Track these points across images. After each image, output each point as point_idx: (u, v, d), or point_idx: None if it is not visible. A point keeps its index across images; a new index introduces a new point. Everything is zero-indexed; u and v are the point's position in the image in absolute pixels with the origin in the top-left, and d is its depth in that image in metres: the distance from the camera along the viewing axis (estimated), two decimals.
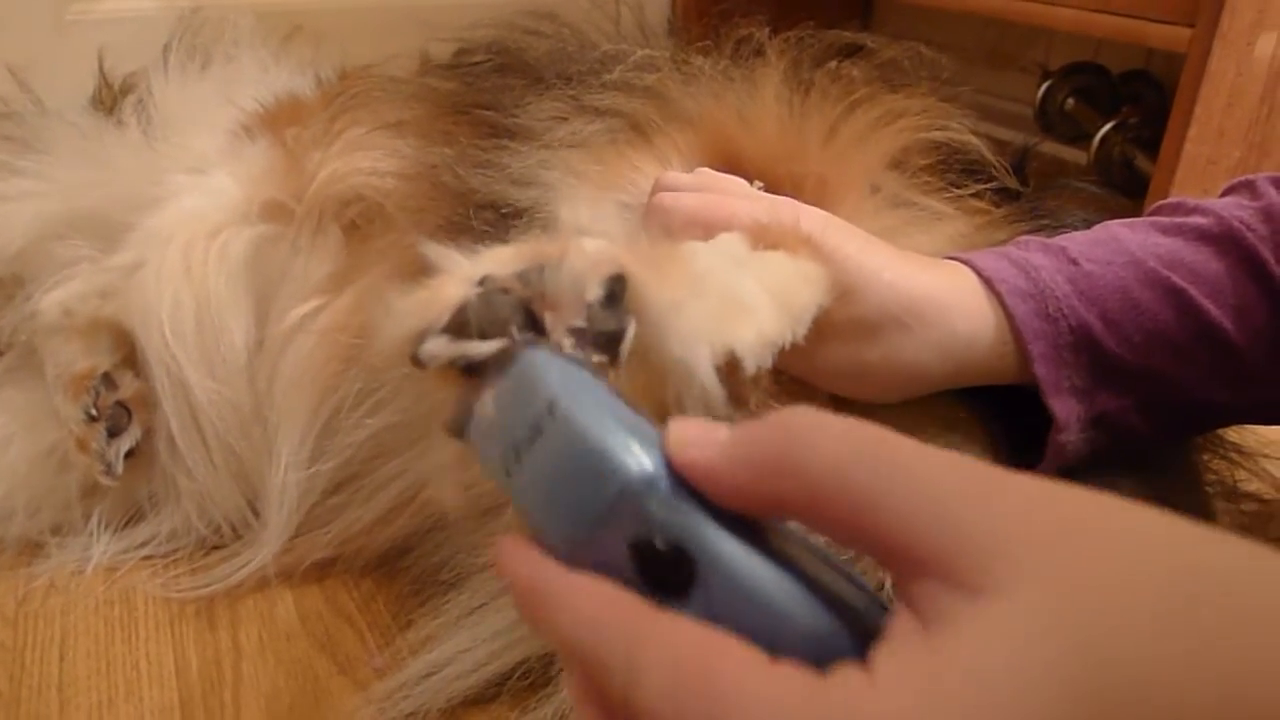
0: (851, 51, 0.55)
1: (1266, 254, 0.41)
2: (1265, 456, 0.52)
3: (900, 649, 0.19)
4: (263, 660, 0.51)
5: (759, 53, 0.52)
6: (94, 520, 0.58)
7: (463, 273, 0.28)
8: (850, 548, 0.21)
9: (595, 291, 0.28)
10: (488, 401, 0.25)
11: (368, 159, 0.55)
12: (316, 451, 0.53)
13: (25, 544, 0.58)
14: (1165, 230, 0.43)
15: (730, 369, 0.31)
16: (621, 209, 0.45)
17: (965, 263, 0.41)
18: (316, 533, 0.55)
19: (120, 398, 0.56)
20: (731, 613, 0.21)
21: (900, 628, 0.20)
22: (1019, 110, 1.29)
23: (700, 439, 0.22)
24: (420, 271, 0.29)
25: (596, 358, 0.27)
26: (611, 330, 0.28)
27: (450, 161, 0.51)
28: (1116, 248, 0.42)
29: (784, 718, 0.18)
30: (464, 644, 0.47)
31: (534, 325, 0.27)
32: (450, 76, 0.62)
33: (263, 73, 0.68)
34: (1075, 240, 0.43)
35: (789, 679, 0.19)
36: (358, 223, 0.56)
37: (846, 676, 0.19)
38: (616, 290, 0.28)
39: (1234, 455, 0.50)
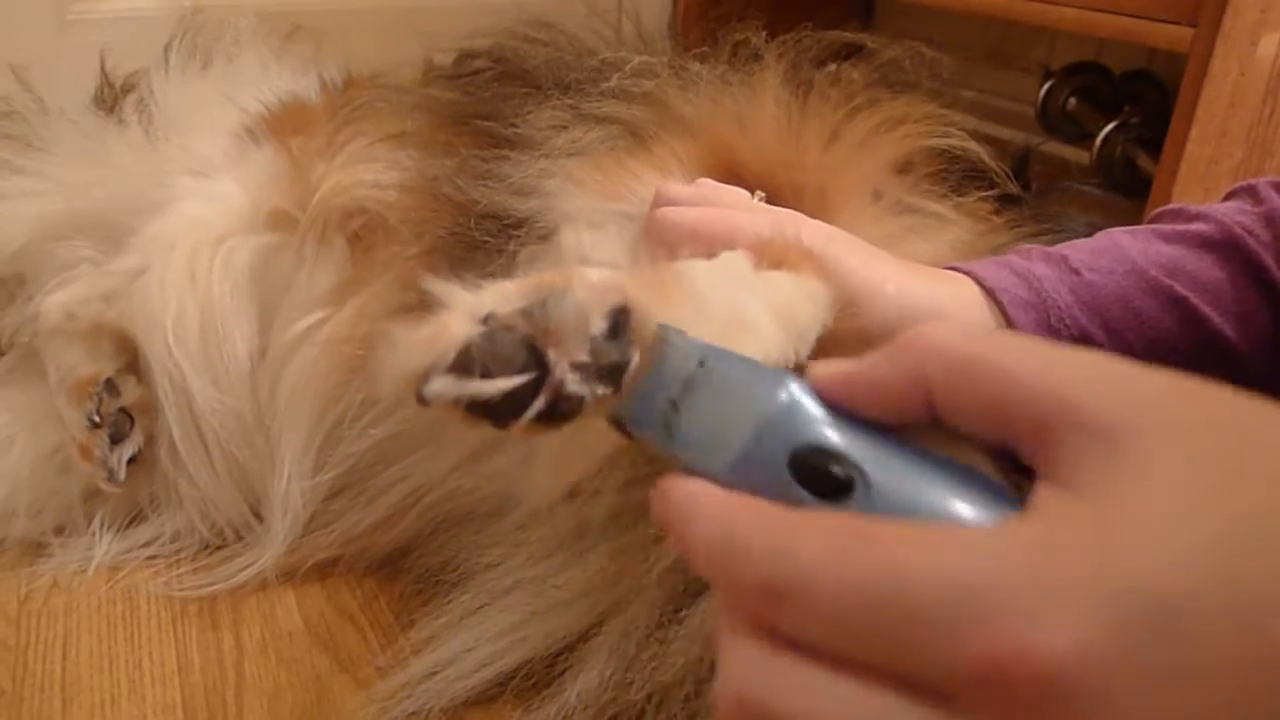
0: (851, 52, 0.55)
1: (1269, 260, 0.41)
2: None
3: (1056, 509, 0.19)
4: (265, 659, 0.51)
5: (757, 57, 0.52)
6: (96, 521, 0.58)
7: (466, 309, 0.28)
8: (990, 429, 0.22)
9: (599, 324, 0.28)
10: (641, 380, 0.27)
11: (370, 171, 0.55)
12: (319, 462, 0.53)
13: (28, 544, 0.58)
14: (1167, 238, 0.43)
15: None
16: (622, 220, 0.45)
17: (967, 273, 0.42)
18: (319, 534, 0.55)
19: (123, 404, 0.56)
20: (893, 507, 0.22)
21: (1046, 497, 0.20)
22: (1021, 110, 1.28)
23: (842, 361, 0.24)
24: (422, 287, 0.29)
25: (600, 389, 0.28)
26: (615, 362, 0.28)
27: (451, 173, 0.51)
28: (1118, 256, 0.42)
29: (947, 560, 0.18)
30: (466, 644, 0.47)
31: (538, 362, 0.27)
32: (451, 86, 0.62)
33: (264, 72, 0.68)
34: (1077, 249, 0.43)
35: (959, 530, 0.20)
36: (361, 234, 0.56)
37: (1019, 523, 0.19)
38: (620, 321, 0.28)
39: None
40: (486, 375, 0.27)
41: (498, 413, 0.27)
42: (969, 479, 0.22)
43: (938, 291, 0.40)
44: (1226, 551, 0.18)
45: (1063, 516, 0.19)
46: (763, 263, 0.36)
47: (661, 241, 0.40)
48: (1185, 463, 0.19)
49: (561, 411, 0.27)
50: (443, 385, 0.27)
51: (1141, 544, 0.18)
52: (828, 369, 0.24)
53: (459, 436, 0.50)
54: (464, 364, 0.27)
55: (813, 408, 0.24)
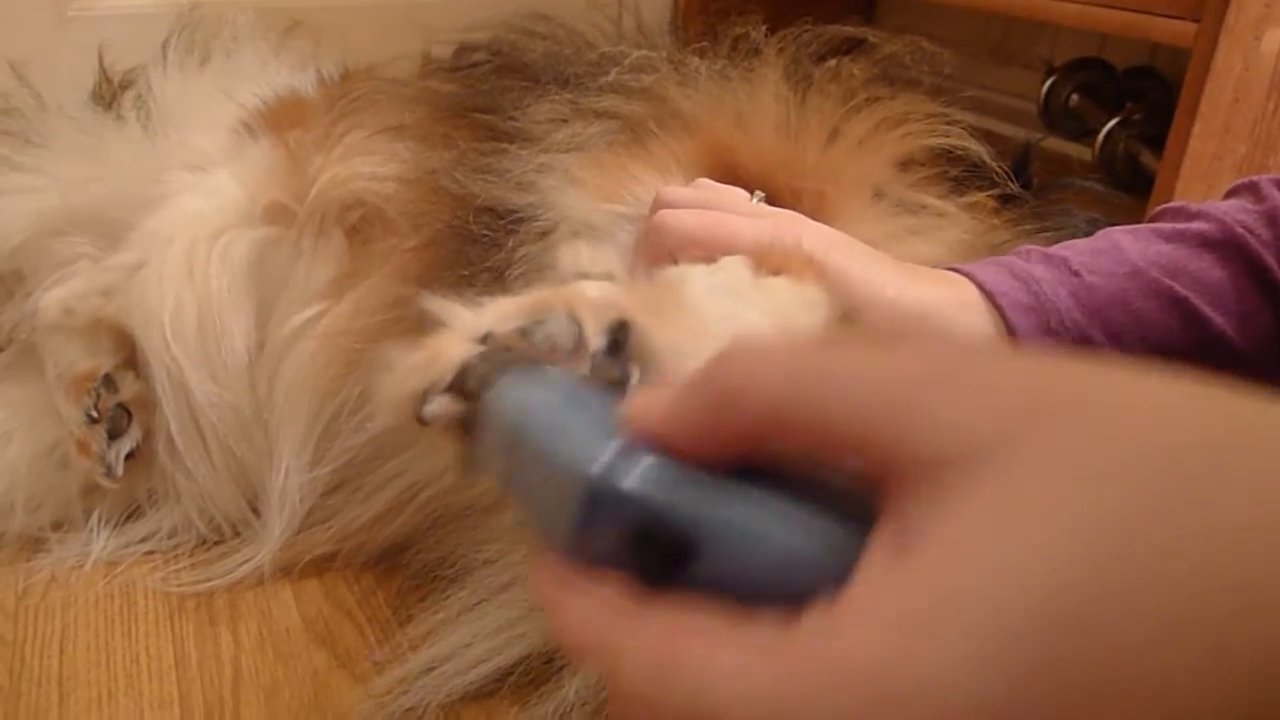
0: (852, 47, 0.54)
1: (1270, 260, 0.41)
2: None
3: (871, 573, 0.18)
4: (262, 655, 0.51)
5: (756, 52, 0.52)
6: (94, 517, 0.58)
7: (465, 329, 0.28)
8: (831, 465, 0.20)
9: (598, 341, 0.28)
10: (483, 435, 0.26)
11: (368, 164, 0.55)
12: (317, 455, 0.53)
13: (26, 539, 0.58)
14: (1167, 237, 0.43)
15: None
16: (621, 223, 0.45)
17: (967, 275, 0.41)
18: (316, 529, 0.55)
19: (121, 400, 0.56)
20: (735, 570, 0.20)
21: (874, 545, 0.18)
22: (1023, 106, 1.28)
23: (649, 402, 0.22)
24: (421, 305, 0.29)
25: None
26: (615, 379, 0.28)
27: (450, 166, 0.51)
28: (1118, 257, 0.42)
29: (753, 683, 0.17)
30: (464, 639, 0.47)
31: None
32: (450, 79, 0.62)
33: (262, 68, 0.68)
34: (1077, 250, 0.42)
35: (753, 642, 0.18)
36: (359, 227, 0.56)
37: (812, 622, 0.18)
38: (620, 338, 0.28)
39: None
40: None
41: None
42: (812, 521, 0.20)
43: (937, 294, 0.40)
44: (1063, 574, 0.15)
45: (862, 604, 0.17)
46: (762, 269, 0.36)
47: (660, 246, 0.40)
48: (1015, 487, 0.16)
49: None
50: (441, 405, 0.27)
51: (934, 633, 0.16)
52: (642, 412, 0.22)
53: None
54: (463, 385, 0.27)
55: (633, 473, 0.21)
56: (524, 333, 0.27)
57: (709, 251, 0.37)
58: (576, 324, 0.28)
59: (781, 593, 0.19)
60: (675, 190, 0.43)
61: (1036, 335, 0.40)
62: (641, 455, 0.22)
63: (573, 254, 0.32)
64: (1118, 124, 1.15)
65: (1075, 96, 1.22)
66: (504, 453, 0.25)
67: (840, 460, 0.19)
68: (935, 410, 0.17)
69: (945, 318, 0.40)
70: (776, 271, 0.37)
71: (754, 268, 0.36)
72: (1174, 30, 0.93)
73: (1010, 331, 0.40)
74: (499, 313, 0.28)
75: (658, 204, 0.43)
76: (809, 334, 0.36)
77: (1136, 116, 1.15)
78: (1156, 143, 1.04)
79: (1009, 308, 0.40)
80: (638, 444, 0.22)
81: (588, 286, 0.29)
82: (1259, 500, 0.15)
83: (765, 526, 0.20)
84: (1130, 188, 1.13)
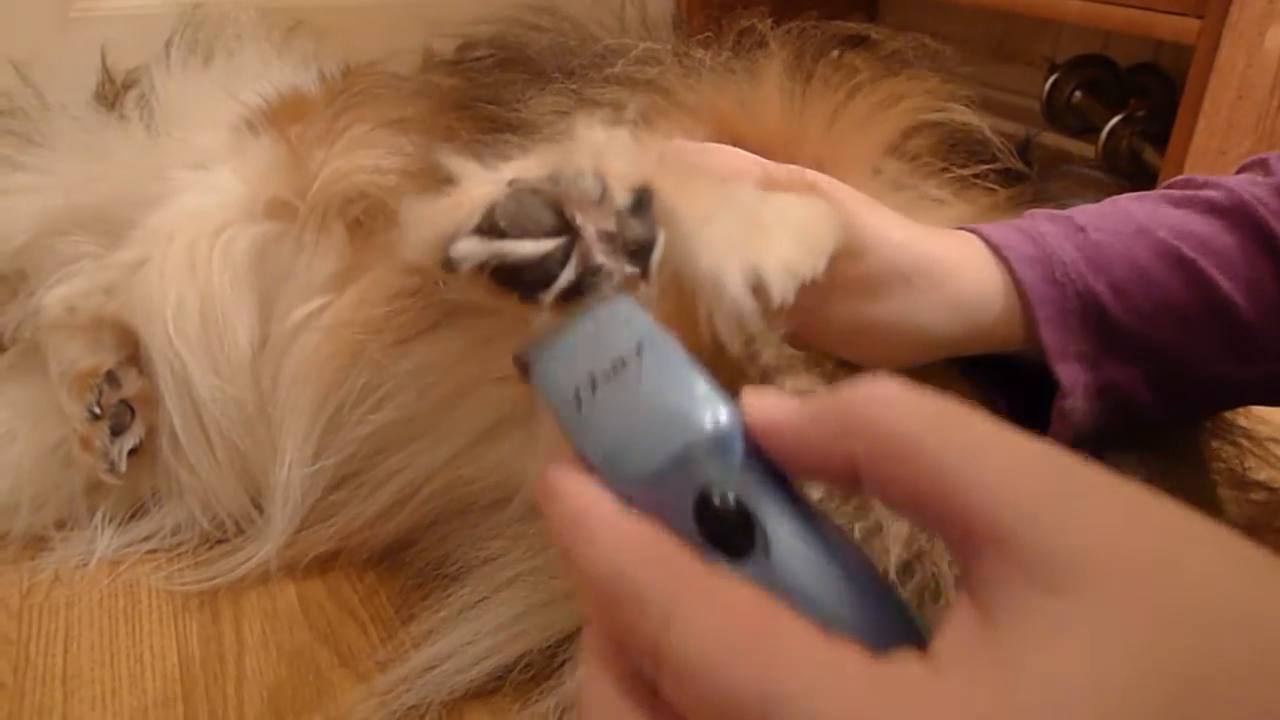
0: (855, 43, 0.54)
1: (1278, 228, 0.41)
2: (1275, 442, 0.51)
3: (962, 639, 0.18)
4: (265, 653, 0.51)
5: (761, 45, 0.52)
6: (98, 515, 0.58)
7: (489, 177, 0.27)
8: (917, 520, 0.20)
9: (624, 198, 0.27)
10: (570, 331, 0.25)
11: (370, 157, 0.55)
12: (320, 448, 0.53)
13: (30, 538, 0.58)
14: (1176, 203, 0.42)
15: (756, 296, 0.30)
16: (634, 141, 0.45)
17: (972, 231, 0.41)
18: (319, 526, 0.55)
19: (124, 396, 0.56)
20: (788, 585, 0.20)
21: (960, 617, 0.18)
22: (1026, 104, 1.28)
23: (776, 401, 0.22)
24: (437, 161, 0.28)
25: (629, 268, 0.26)
26: (641, 238, 0.27)
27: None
28: (1125, 219, 0.41)
29: (846, 693, 0.17)
30: (466, 637, 0.47)
31: (565, 227, 0.26)
32: (453, 72, 0.62)
33: (265, 67, 0.68)
34: (1084, 211, 0.42)
35: (851, 655, 0.18)
36: (361, 220, 0.56)
37: (908, 663, 0.18)
38: (644, 199, 0.27)
39: (1244, 441, 0.50)
40: (514, 237, 0.26)
41: (527, 281, 0.26)
42: (862, 566, 0.21)
43: (943, 243, 0.40)
44: None
45: (959, 663, 0.17)
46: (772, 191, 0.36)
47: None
48: (1114, 619, 0.17)
49: (588, 286, 0.26)
50: (470, 246, 0.26)
51: (1041, 705, 0.16)
52: (762, 407, 0.22)
53: (459, 422, 0.50)
54: (491, 225, 0.26)
55: (736, 448, 0.22)
56: (551, 179, 0.26)
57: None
58: (601, 180, 0.27)
59: (822, 625, 0.19)
60: (683, 142, 0.43)
61: (1041, 287, 0.39)
62: (747, 435, 0.22)
63: (588, 130, 0.32)
64: (1121, 121, 1.15)
65: (1078, 93, 1.22)
66: (608, 358, 0.23)
67: (929, 516, 0.20)
68: (1058, 508, 0.18)
69: (950, 266, 0.39)
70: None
71: (764, 189, 0.36)
72: (1177, 27, 0.93)
73: (1016, 283, 0.39)
74: (522, 164, 0.28)
75: (665, 151, 0.42)
76: (826, 241, 0.35)
77: (1140, 113, 1.15)
78: (1160, 140, 1.04)
79: (1015, 260, 0.39)
80: (753, 429, 0.22)
81: (609, 153, 0.28)
82: None
83: (827, 551, 0.20)
84: (1133, 184, 1.12)
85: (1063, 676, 0.16)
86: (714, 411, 0.22)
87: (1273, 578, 0.18)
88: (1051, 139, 1.22)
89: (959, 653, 0.18)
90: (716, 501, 0.21)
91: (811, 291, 0.33)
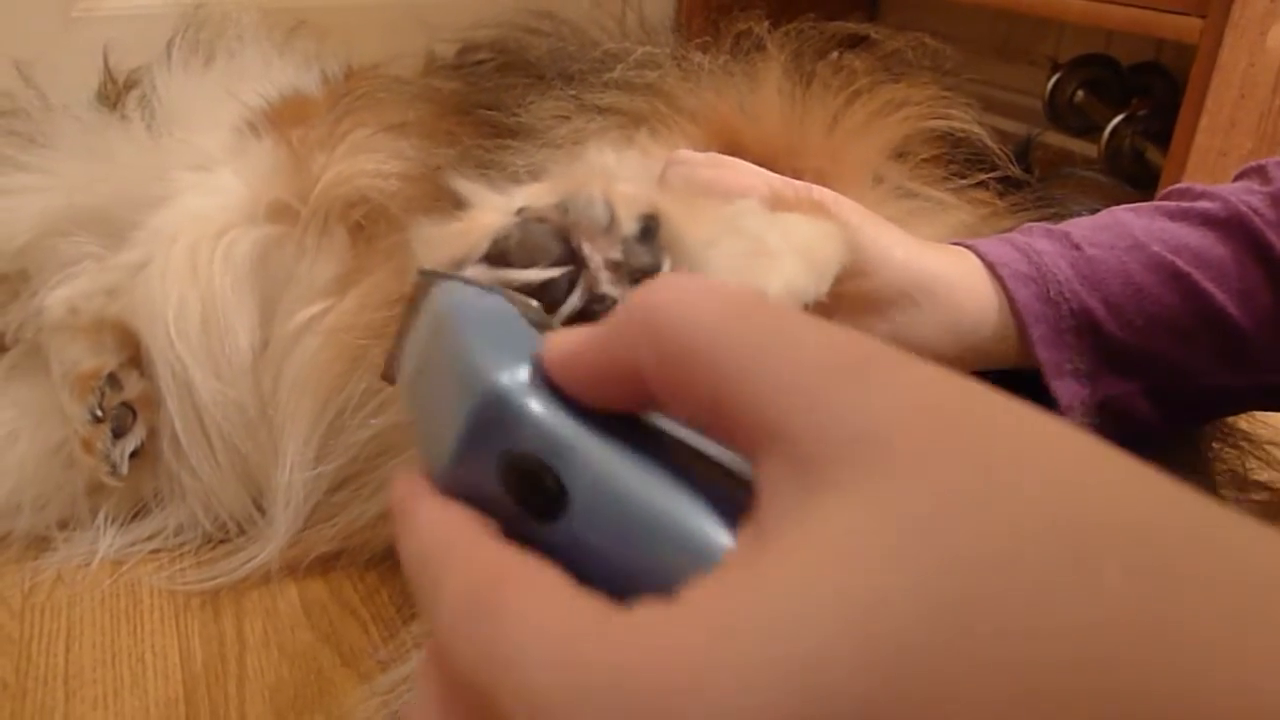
0: (855, 43, 0.54)
1: (1274, 238, 0.41)
2: (1275, 445, 0.52)
3: (723, 565, 0.16)
4: (267, 652, 0.51)
5: (759, 47, 0.52)
6: (100, 515, 0.58)
7: (499, 204, 0.28)
8: (710, 431, 0.18)
9: (631, 226, 0.27)
10: (410, 328, 0.24)
11: (372, 161, 0.55)
12: (322, 452, 0.53)
13: (32, 538, 0.58)
14: (1171, 215, 0.43)
15: None
16: (641, 162, 0.45)
17: (969, 248, 0.42)
18: (321, 526, 0.55)
19: (125, 398, 0.56)
20: (601, 532, 0.18)
21: (739, 539, 0.16)
22: (1029, 103, 1.28)
23: (569, 335, 0.20)
24: (450, 187, 0.29)
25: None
26: (647, 266, 0.27)
27: (453, 162, 0.51)
28: (1121, 232, 0.42)
29: (557, 648, 0.15)
30: None
31: (572, 256, 0.26)
32: (453, 76, 0.62)
33: (266, 68, 0.68)
34: (1079, 225, 0.43)
35: (581, 610, 0.16)
36: (363, 224, 0.56)
37: (646, 611, 0.16)
38: (651, 227, 0.28)
39: (1244, 444, 0.50)
40: (520, 266, 0.26)
41: None
42: (695, 490, 0.18)
43: (943, 261, 0.40)
44: (876, 625, 0.13)
45: (702, 593, 0.15)
46: (776, 210, 0.36)
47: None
48: (885, 504, 0.14)
49: (594, 314, 0.26)
50: (476, 274, 0.26)
51: (757, 637, 0.14)
52: (556, 345, 0.20)
53: None
54: (498, 254, 0.26)
55: (530, 399, 0.19)
56: (560, 207, 0.27)
57: (722, 199, 0.37)
58: (609, 207, 0.27)
59: (644, 576, 0.17)
60: (688, 153, 0.43)
61: (1036, 305, 0.40)
62: (548, 384, 0.20)
63: (599, 155, 0.32)
64: (1123, 120, 1.15)
65: (1081, 93, 1.22)
66: (418, 353, 0.22)
67: (714, 421, 0.17)
68: (839, 399, 0.16)
69: (950, 284, 0.40)
70: (791, 212, 0.37)
71: (770, 208, 0.36)
72: (1179, 26, 0.93)
73: (1010, 301, 0.40)
74: (532, 192, 0.28)
75: (671, 164, 0.43)
76: (830, 262, 0.35)
77: (1142, 112, 1.15)
78: (1162, 139, 1.04)
79: (1009, 277, 0.40)
80: (550, 376, 0.20)
81: (619, 180, 0.29)
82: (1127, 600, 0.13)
83: (641, 496, 0.18)
84: (1136, 183, 1.12)
85: (792, 589, 0.14)
86: (497, 369, 0.20)
87: (1120, 472, 0.15)
88: (1054, 138, 1.22)
89: (708, 582, 0.15)
90: (518, 465, 0.19)
91: (815, 310, 0.34)
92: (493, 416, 0.19)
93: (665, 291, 0.18)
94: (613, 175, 0.29)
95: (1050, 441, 0.15)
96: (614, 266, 0.27)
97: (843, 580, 0.14)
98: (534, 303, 0.24)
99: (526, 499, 0.19)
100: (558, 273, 0.26)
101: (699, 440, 0.19)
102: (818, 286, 0.34)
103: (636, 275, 0.27)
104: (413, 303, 0.24)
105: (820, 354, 0.16)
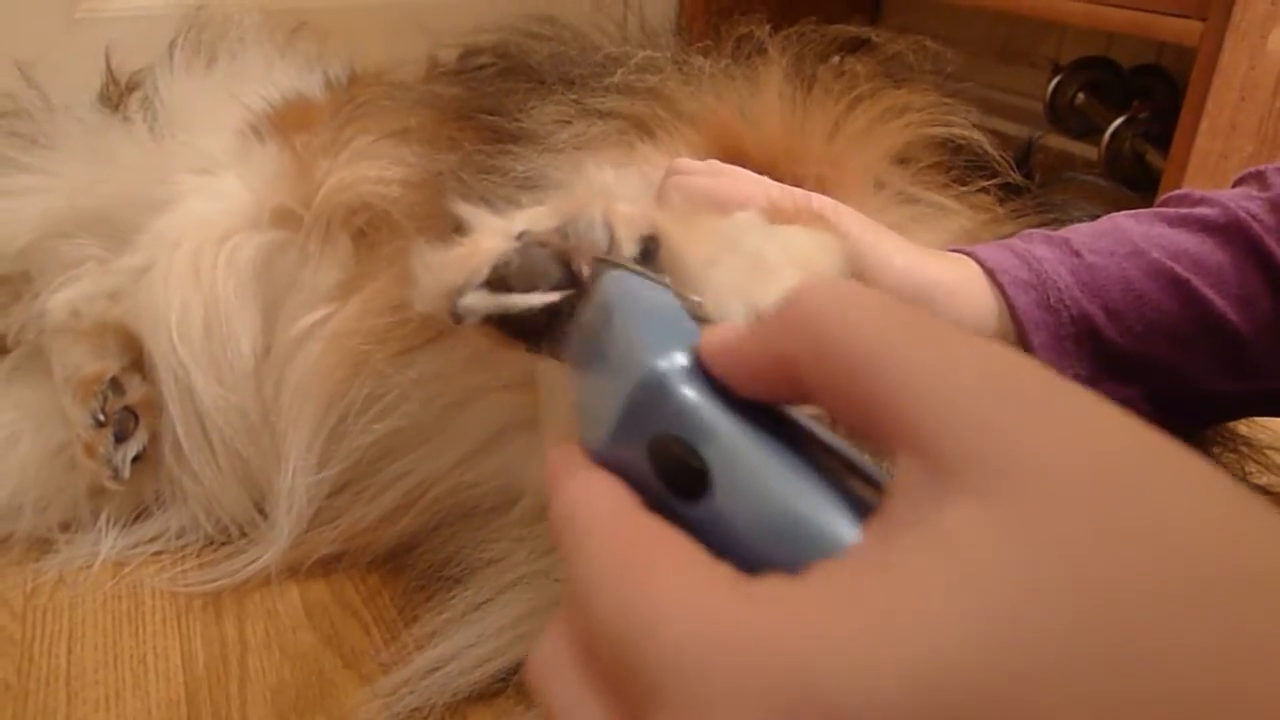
0: (856, 46, 0.54)
1: (1273, 244, 0.41)
2: (1275, 449, 0.52)
3: (854, 553, 0.17)
4: (269, 654, 0.51)
5: (760, 51, 0.52)
6: (102, 517, 0.58)
7: (499, 228, 0.28)
8: (851, 428, 0.18)
9: (630, 248, 0.28)
10: (581, 314, 0.26)
11: (374, 167, 0.55)
12: (324, 457, 0.53)
13: (34, 539, 0.58)
14: (1170, 222, 0.43)
15: None
16: (640, 180, 0.45)
17: (969, 254, 0.42)
18: (323, 529, 0.55)
19: (127, 402, 0.56)
20: (739, 515, 0.19)
21: (868, 530, 0.17)
22: (1030, 105, 1.28)
23: (728, 328, 0.21)
24: (452, 210, 0.29)
25: None
26: None
27: (455, 167, 0.51)
28: (1120, 239, 0.42)
29: (697, 607, 0.16)
30: (469, 639, 0.47)
31: (572, 279, 0.27)
32: (455, 82, 0.62)
33: (268, 70, 0.69)
34: (1079, 232, 0.43)
35: (719, 578, 0.17)
36: (365, 230, 0.56)
37: (774, 584, 0.16)
38: (650, 248, 0.28)
39: (1244, 448, 0.50)
40: (521, 291, 0.26)
41: (532, 331, 0.27)
42: (830, 485, 0.19)
43: (943, 269, 0.41)
44: (994, 644, 0.13)
45: (832, 577, 0.16)
46: (775, 223, 0.36)
47: (675, 206, 0.40)
48: (1023, 522, 0.14)
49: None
50: (477, 300, 0.26)
51: (882, 630, 0.14)
52: (715, 336, 0.21)
53: (462, 430, 0.50)
54: (498, 279, 0.26)
55: (685, 386, 0.21)
56: (559, 232, 0.27)
57: (722, 211, 0.37)
58: (609, 229, 0.27)
59: (775, 560, 0.18)
60: (688, 161, 0.43)
61: (1036, 312, 0.40)
62: (704, 374, 0.21)
63: (599, 174, 0.32)
64: (1124, 122, 1.15)
65: (1081, 95, 1.22)
66: (590, 333, 0.24)
67: (868, 436, 0.18)
68: (984, 411, 0.16)
69: (950, 291, 0.40)
70: (789, 224, 0.37)
71: (768, 220, 0.36)
72: (1180, 29, 0.93)
73: (1010, 308, 0.40)
74: (532, 215, 0.28)
75: (671, 172, 0.43)
76: (829, 275, 0.35)
77: (1143, 115, 1.15)
78: (1163, 141, 1.04)
79: (1009, 284, 0.40)
80: (706, 366, 0.21)
81: (618, 201, 0.29)
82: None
83: (779, 485, 0.19)
84: (1137, 186, 1.12)
85: (927, 582, 0.14)
86: (656, 354, 0.21)
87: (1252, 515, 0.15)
88: (1055, 141, 1.22)
89: (839, 568, 0.16)
90: (667, 445, 0.20)
91: None
92: (649, 398, 0.21)
93: (824, 293, 0.19)
94: (612, 194, 0.29)
95: (1200, 486, 0.15)
96: None
97: (971, 586, 0.14)
98: (696, 298, 0.25)
99: (672, 478, 0.20)
100: (558, 297, 0.26)
101: (837, 441, 0.20)
102: None
103: None
104: (585, 289, 0.26)
105: (977, 368, 0.17)
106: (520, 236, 0.27)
